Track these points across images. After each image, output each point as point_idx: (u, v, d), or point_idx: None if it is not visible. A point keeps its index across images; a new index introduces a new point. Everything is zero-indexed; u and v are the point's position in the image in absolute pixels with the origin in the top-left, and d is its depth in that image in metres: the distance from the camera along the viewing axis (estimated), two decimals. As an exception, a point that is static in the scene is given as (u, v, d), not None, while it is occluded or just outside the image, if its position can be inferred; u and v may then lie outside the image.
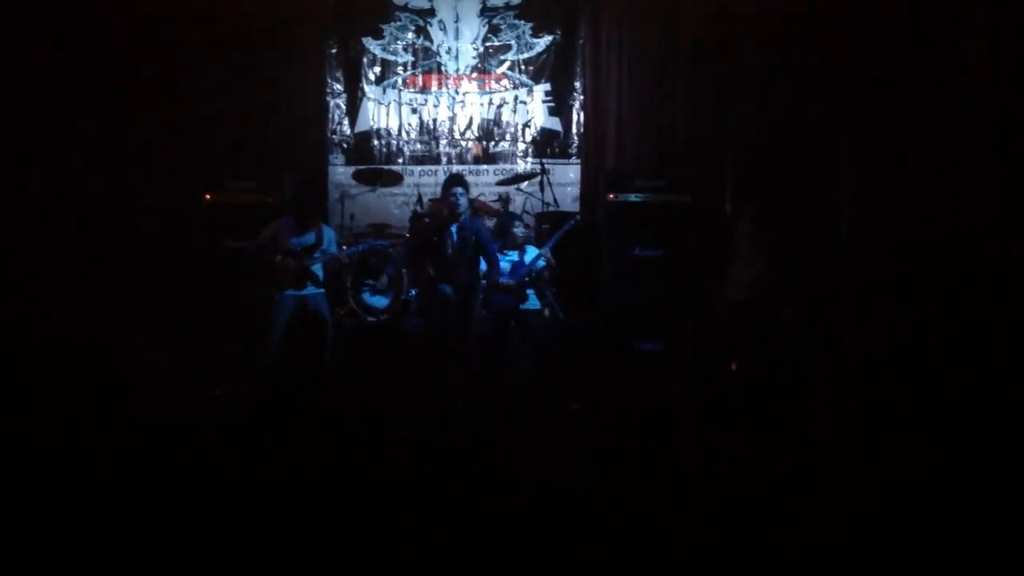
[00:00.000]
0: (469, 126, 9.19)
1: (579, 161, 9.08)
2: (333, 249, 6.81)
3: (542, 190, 8.20)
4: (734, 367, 7.01)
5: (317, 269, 6.67)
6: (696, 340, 7.32)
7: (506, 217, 7.24)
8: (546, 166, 8.42)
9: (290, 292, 6.53)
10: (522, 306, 6.78)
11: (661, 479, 4.38)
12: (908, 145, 7.57)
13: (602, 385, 6.64)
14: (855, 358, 7.08)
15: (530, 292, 6.86)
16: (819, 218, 7.75)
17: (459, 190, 6.50)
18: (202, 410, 6.39)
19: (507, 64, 9.18)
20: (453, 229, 6.50)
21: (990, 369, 6.10)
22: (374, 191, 8.54)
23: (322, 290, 6.73)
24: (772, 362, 6.86)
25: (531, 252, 6.91)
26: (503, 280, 6.69)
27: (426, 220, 7.81)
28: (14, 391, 6.51)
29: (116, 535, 3.61)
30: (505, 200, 8.32)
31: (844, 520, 3.84)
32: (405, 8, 9.15)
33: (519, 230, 6.96)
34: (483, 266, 6.62)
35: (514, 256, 6.88)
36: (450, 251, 6.52)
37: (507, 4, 9.13)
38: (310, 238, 6.62)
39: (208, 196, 7.46)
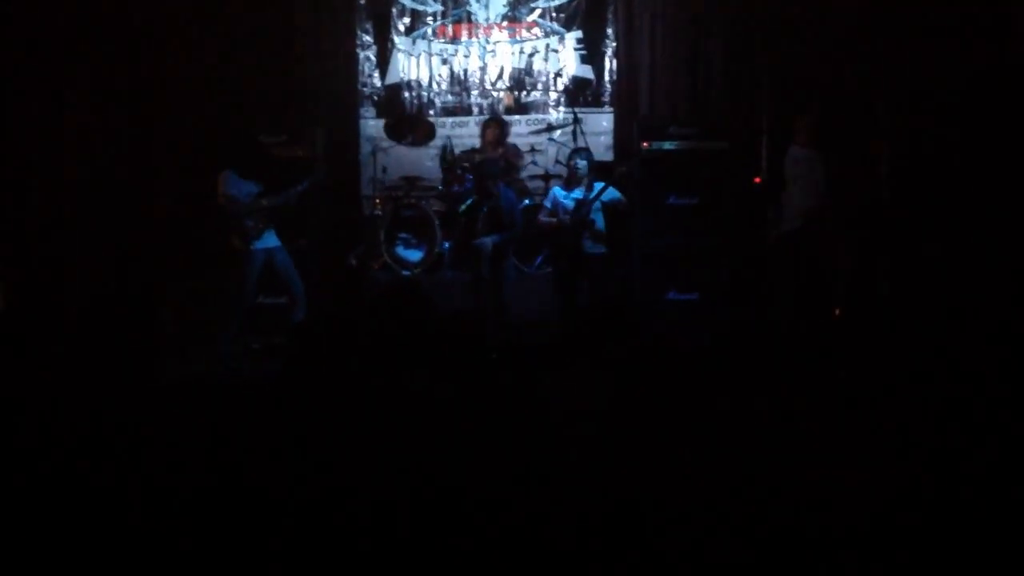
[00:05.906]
0: (500, 76, 9.07)
1: (612, 109, 8.95)
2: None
3: (575, 139, 8.09)
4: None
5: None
6: (733, 289, 7.28)
7: (574, 153, 7.17)
8: (578, 115, 8.31)
9: (257, 246, 6.43)
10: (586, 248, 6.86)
11: (689, 426, 4.39)
12: (948, 89, 7.38)
13: (636, 334, 6.62)
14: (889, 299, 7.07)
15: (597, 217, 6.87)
16: (857, 162, 7.60)
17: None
18: (240, 364, 6.49)
19: (538, 12, 9.02)
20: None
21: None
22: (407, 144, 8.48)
23: (278, 241, 6.62)
24: (820, 296, 6.85)
25: (599, 187, 6.86)
26: (543, 218, 7.00)
27: (458, 171, 7.78)
28: (52, 350, 6.66)
29: (156, 491, 3.68)
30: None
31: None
32: (433, -44, 9.02)
33: (581, 162, 6.94)
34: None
35: (578, 194, 6.88)
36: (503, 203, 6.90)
37: (537, -51, 8.96)
38: (252, 187, 6.50)
39: (240, 150, 7.46)
